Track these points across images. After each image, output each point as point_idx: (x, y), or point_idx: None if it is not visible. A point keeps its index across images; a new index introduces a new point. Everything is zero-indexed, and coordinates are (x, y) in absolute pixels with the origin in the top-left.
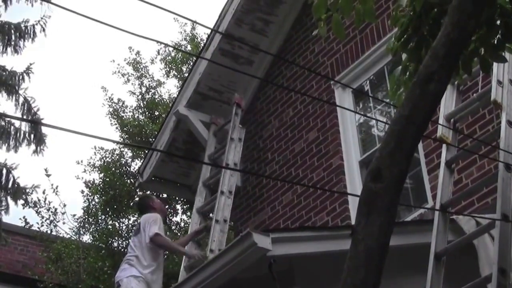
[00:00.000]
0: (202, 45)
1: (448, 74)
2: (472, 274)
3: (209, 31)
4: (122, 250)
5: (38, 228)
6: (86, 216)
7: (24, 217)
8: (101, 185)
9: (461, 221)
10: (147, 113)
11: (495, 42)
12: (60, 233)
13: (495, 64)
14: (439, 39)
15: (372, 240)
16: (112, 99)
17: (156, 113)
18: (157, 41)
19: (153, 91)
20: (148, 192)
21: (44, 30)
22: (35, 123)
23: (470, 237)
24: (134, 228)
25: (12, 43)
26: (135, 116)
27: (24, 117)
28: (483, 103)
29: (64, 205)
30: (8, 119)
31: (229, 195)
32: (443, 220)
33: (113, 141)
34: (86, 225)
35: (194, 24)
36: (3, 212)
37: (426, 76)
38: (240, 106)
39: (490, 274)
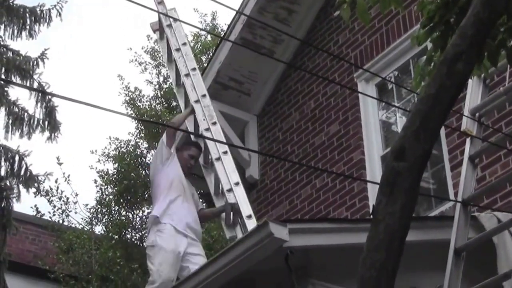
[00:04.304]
0: (223, 34)
1: (476, 54)
2: (490, 272)
3: (229, 21)
4: (135, 242)
5: (50, 217)
6: (99, 207)
7: (35, 205)
8: (115, 175)
9: (482, 219)
10: (164, 103)
11: None
12: (72, 223)
13: None
14: (468, 18)
15: (393, 220)
16: (128, 88)
17: (174, 104)
18: (184, 22)
19: (170, 80)
20: None
21: (60, 14)
22: (44, 93)
23: (491, 234)
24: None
25: (27, 27)
26: (152, 106)
27: (39, 104)
28: (510, 97)
29: (76, 195)
30: (22, 106)
31: (193, 71)
32: (464, 215)
33: (128, 115)
34: (99, 216)
35: (215, 14)
36: (14, 200)
37: (454, 56)
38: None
39: (509, 271)
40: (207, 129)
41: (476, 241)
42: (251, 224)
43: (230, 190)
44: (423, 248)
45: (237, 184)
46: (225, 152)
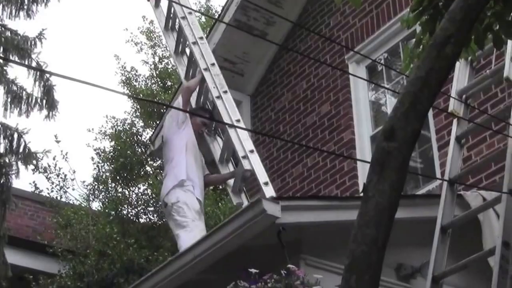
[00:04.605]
0: (217, 16)
1: (465, 38)
2: (476, 248)
3: (223, 3)
4: (131, 218)
5: (48, 193)
6: (96, 183)
7: (34, 182)
8: (111, 153)
9: (468, 197)
10: (159, 82)
11: (510, 18)
12: (70, 200)
13: (509, 42)
14: (457, 3)
15: (383, 198)
16: (124, 68)
17: (169, 83)
18: (178, 3)
19: (166, 61)
20: (159, 161)
21: None
22: (43, 72)
23: (476, 211)
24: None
25: (25, 7)
26: (148, 85)
27: (37, 83)
28: (496, 80)
29: (74, 172)
30: (21, 84)
31: (201, 40)
32: (451, 194)
33: (126, 95)
34: (96, 192)
35: None
36: (13, 176)
37: (443, 39)
38: None
39: (494, 247)
40: (218, 97)
41: (462, 218)
42: (268, 191)
43: (245, 157)
44: (410, 225)
45: (251, 151)
46: (238, 120)
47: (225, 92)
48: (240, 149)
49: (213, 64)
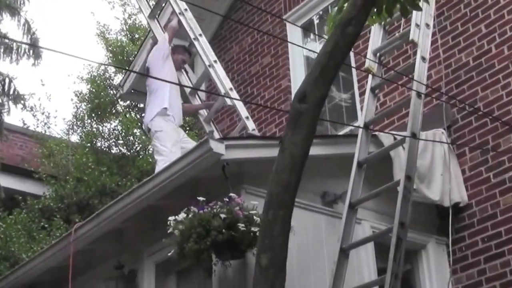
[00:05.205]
0: None
1: (364, 19)
2: (389, 180)
3: None
4: (104, 149)
5: (34, 128)
6: (75, 120)
7: (22, 119)
8: (87, 94)
9: (382, 137)
10: (128, 35)
11: None
12: (52, 133)
13: (414, 11)
14: None
15: (295, 149)
16: (99, 23)
17: (136, 36)
18: None
19: (134, 17)
20: (127, 102)
21: None
22: (34, 46)
23: (388, 149)
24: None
25: None
26: (119, 38)
27: (25, 35)
28: (404, 41)
29: (56, 110)
30: (12, 37)
31: (185, 11)
32: (366, 135)
33: (99, 63)
34: (74, 128)
35: None
36: (5, 114)
37: (346, 21)
38: None
39: (399, 180)
40: (195, 39)
41: (375, 155)
42: (250, 123)
43: (225, 93)
44: (334, 160)
45: (231, 89)
46: (215, 61)
47: (200, 35)
48: (221, 86)
49: (186, 10)
